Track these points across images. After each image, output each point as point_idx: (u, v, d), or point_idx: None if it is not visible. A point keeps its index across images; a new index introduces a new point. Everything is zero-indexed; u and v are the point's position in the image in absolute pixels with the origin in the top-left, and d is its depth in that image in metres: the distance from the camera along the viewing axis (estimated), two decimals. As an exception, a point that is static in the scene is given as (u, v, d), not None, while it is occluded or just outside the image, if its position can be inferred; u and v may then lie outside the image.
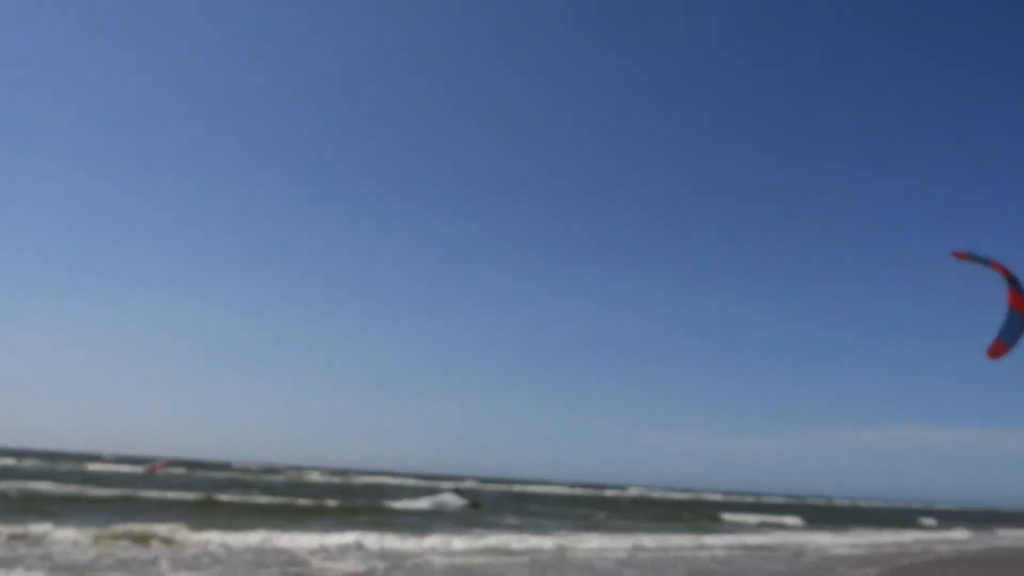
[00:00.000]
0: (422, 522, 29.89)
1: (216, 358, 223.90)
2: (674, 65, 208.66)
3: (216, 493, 38.49)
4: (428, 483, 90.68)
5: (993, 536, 46.64)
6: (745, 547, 27.40)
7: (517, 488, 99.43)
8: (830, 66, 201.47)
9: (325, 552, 18.10)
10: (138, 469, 69.74)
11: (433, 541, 20.91)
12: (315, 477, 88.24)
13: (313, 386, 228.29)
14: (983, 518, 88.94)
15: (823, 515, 68.94)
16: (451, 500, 44.34)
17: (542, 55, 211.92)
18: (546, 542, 22.57)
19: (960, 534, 46.88)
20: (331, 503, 37.65)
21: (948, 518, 77.16)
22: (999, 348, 13.80)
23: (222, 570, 14.61)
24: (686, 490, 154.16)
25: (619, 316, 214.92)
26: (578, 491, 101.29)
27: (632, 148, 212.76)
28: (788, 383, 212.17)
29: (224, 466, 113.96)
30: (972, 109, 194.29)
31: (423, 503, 42.14)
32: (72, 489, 36.19)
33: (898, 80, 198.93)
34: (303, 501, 37.59)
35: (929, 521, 65.78)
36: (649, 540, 25.56)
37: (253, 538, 18.77)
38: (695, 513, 49.28)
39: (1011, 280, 13.74)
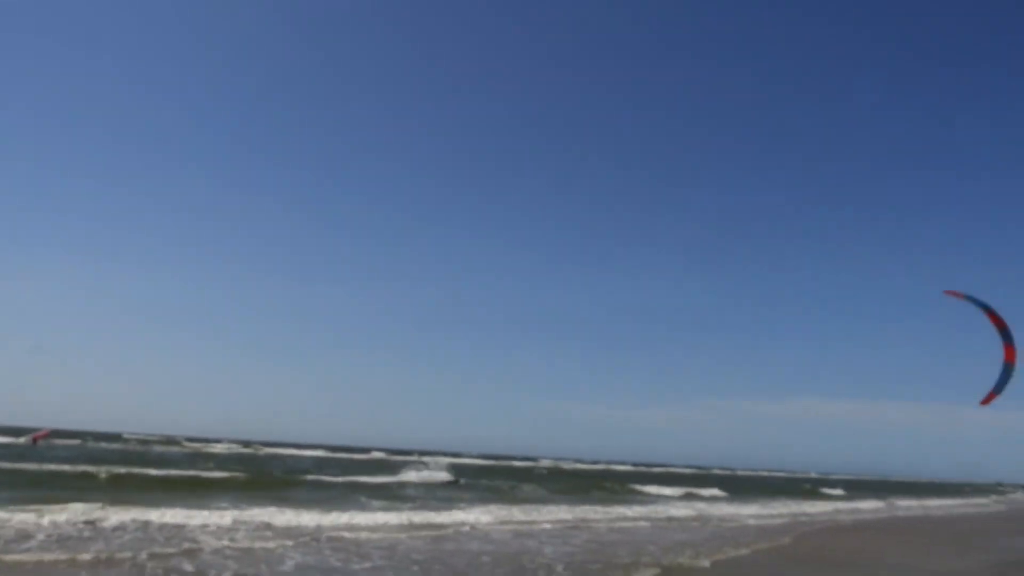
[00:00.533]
0: (336, 496, 27.76)
1: (111, 322, 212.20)
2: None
3: (103, 465, 35.10)
4: (341, 455, 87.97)
5: (894, 506, 47.92)
6: (673, 519, 26.51)
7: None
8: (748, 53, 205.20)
9: (217, 528, 15.88)
10: (19, 440, 64.40)
11: (348, 518, 19.01)
12: (219, 449, 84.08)
13: (209, 354, 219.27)
14: (879, 487, 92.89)
15: (735, 485, 70.11)
16: (439, 474, 42.86)
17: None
18: (467, 516, 21.00)
19: (871, 504, 48.01)
20: (239, 476, 34.87)
21: (850, 488, 79.91)
22: (991, 397, 16.39)
23: (94, 547, 12.39)
24: (595, 462, 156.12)
25: (529, 291, 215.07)
26: (493, 463, 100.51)
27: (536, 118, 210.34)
28: (685, 357, 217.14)
29: (115, 437, 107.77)
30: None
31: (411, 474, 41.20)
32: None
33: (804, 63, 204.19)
34: (208, 474, 34.72)
35: (836, 491, 67.70)
36: (568, 512, 24.49)
37: (134, 514, 16.38)
38: (609, 485, 48.73)
39: (1005, 334, 15.90)
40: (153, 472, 33.54)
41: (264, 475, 38.29)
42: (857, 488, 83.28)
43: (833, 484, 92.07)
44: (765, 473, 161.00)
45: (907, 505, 49.96)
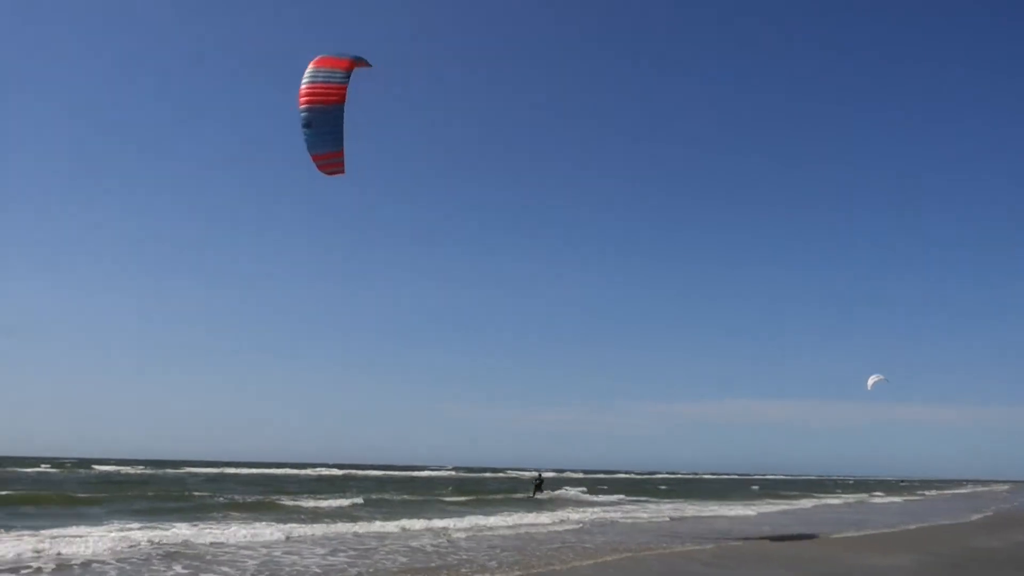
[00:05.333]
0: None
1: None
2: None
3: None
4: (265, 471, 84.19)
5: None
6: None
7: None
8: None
9: None
10: None
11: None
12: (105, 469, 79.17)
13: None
14: (812, 487, 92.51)
15: (681, 489, 68.46)
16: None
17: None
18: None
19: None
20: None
21: (803, 487, 79.06)
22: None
23: None
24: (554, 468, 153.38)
25: (434, 292, 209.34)
26: (426, 474, 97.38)
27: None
28: (604, 360, 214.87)
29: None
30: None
31: None
32: None
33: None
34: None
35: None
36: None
37: None
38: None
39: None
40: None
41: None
42: (806, 487, 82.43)
43: (769, 484, 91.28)
44: (707, 476, 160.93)
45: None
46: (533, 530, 22.42)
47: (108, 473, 67.18)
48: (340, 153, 13.74)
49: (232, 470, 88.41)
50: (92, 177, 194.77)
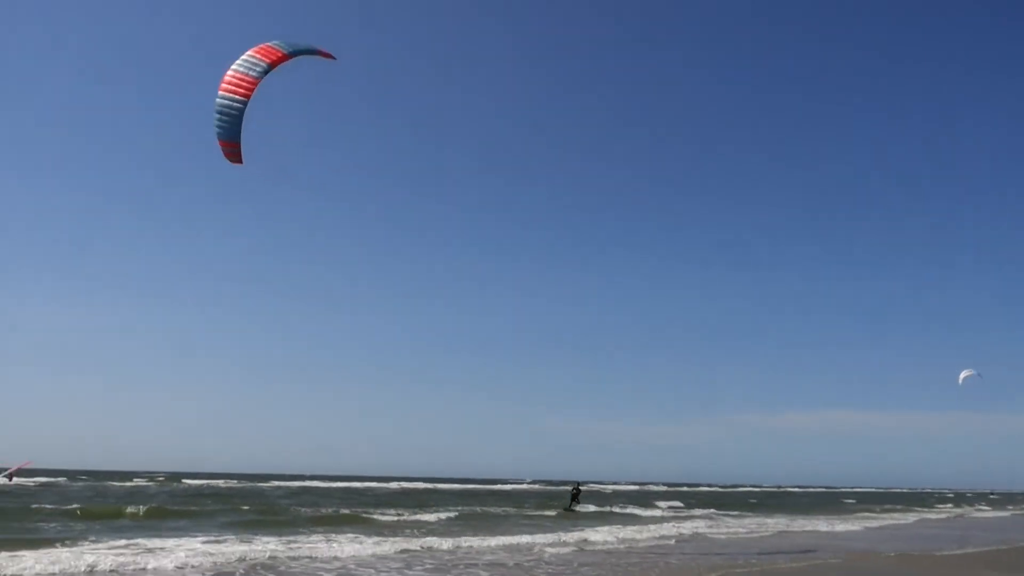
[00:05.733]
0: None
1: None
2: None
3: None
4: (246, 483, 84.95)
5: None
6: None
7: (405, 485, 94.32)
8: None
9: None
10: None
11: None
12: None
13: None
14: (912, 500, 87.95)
15: (772, 503, 65.97)
16: None
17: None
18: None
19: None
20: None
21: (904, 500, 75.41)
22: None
23: None
24: (629, 481, 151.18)
25: (536, 306, 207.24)
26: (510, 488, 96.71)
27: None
28: (698, 372, 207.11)
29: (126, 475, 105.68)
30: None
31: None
32: None
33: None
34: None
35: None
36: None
37: None
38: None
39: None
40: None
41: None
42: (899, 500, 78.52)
43: (861, 496, 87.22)
44: (797, 489, 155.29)
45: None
46: (637, 545, 21.34)
47: (199, 487, 68.83)
48: (237, 145, 14.20)
49: (316, 483, 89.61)
50: (226, 202, 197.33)
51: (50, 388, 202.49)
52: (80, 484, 66.29)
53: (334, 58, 14.99)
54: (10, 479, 60.15)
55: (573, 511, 38.54)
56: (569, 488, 42.73)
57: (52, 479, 73.93)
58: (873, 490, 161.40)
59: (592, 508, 42.49)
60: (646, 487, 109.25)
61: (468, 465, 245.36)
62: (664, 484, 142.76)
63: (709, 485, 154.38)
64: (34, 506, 31.80)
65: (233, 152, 14.34)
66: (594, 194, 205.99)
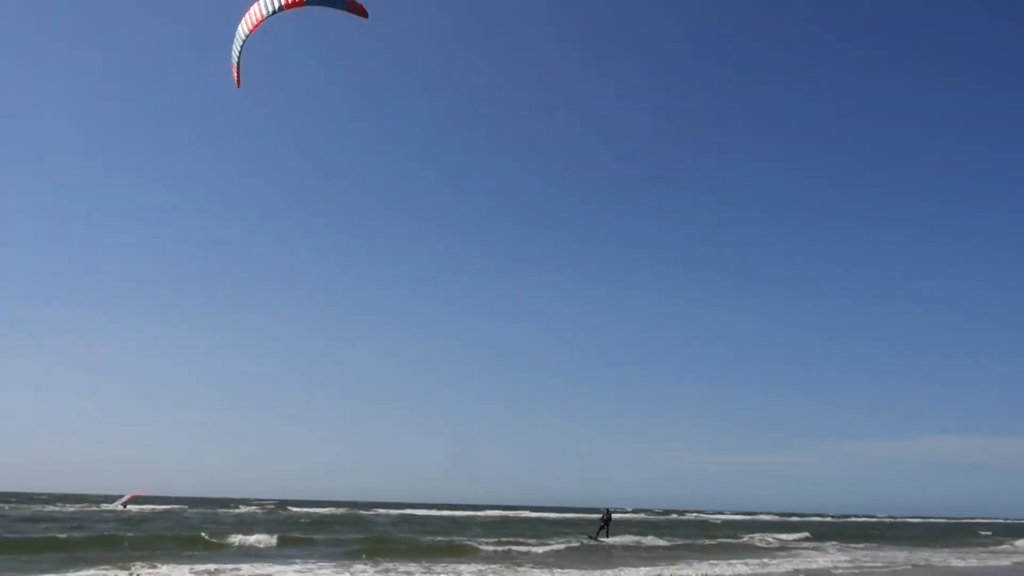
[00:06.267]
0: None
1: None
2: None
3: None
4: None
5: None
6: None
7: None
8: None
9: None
10: (113, 505, 64.45)
11: None
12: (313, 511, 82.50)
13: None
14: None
15: (892, 534, 61.84)
16: None
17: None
18: None
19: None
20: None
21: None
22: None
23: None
24: (733, 511, 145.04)
25: (612, 325, 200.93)
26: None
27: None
28: (788, 398, 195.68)
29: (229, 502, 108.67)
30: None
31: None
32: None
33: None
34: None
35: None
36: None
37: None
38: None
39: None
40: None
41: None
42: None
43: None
44: (908, 519, 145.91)
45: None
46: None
47: (308, 514, 70.01)
48: (237, 68, 15.16)
49: (418, 511, 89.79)
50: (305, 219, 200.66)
51: (159, 417, 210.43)
52: (197, 511, 68.18)
53: (366, 16, 14.88)
54: (124, 506, 62.35)
55: (599, 540, 34.95)
56: (599, 515, 38.02)
57: (167, 506, 76.42)
58: (1000, 521, 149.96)
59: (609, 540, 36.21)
60: (756, 516, 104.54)
61: (566, 492, 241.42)
62: (775, 514, 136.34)
63: (819, 515, 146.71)
64: (203, 533, 31.02)
65: (235, 74, 15.29)
66: (682, 225, 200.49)
